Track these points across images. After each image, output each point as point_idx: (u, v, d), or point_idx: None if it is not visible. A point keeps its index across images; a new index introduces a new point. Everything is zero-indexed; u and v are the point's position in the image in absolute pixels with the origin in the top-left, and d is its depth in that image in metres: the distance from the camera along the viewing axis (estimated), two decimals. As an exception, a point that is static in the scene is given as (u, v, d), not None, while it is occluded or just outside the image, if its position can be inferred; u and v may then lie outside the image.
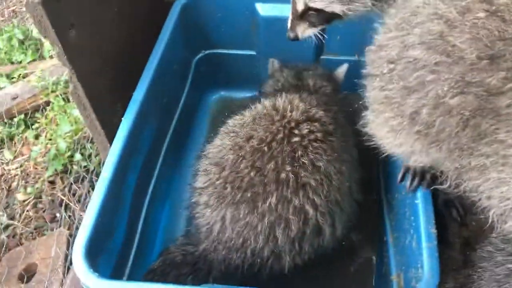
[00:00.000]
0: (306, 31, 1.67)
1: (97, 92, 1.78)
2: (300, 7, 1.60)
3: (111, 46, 1.85)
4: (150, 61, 1.90)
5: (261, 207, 1.51)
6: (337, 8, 1.52)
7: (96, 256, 1.47)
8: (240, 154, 1.58)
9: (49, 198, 2.66)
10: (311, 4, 1.55)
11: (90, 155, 2.70)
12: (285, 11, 2.08)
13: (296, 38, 1.69)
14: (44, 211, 2.60)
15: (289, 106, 1.66)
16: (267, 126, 1.61)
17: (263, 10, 2.12)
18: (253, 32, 2.21)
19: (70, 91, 1.71)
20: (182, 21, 2.11)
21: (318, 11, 1.57)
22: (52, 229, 2.45)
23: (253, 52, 2.29)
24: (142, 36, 2.04)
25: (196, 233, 1.72)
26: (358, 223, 1.76)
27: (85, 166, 2.68)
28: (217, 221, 1.60)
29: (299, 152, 1.55)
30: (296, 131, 1.59)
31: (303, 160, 1.54)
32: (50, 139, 2.86)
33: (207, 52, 2.35)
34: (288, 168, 1.53)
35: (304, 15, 1.62)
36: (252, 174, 1.54)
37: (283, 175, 1.52)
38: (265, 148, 1.56)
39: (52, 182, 2.73)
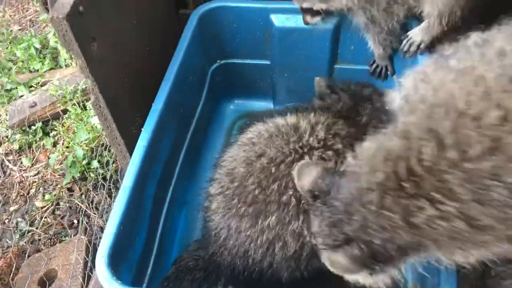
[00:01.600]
0: (312, 19, 2.00)
1: (118, 103, 1.82)
2: (297, 5, 1.95)
3: (131, 57, 1.89)
4: (168, 71, 1.94)
5: (261, 223, 1.55)
6: (318, 6, 1.89)
7: (118, 263, 1.50)
8: (249, 170, 1.60)
9: (67, 205, 2.71)
10: (302, 5, 1.94)
11: (107, 163, 2.76)
12: (299, 22, 2.12)
13: (307, 23, 2.03)
14: (62, 218, 2.65)
15: (309, 130, 1.66)
16: (281, 146, 1.62)
17: (278, 21, 2.15)
18: (268, 42, 2.24)
19: (91, 102, 1.76)
20: (199, 32, 2.14)
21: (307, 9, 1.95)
22: (70, 236, 2.50)
23: (267, 62, 2.33)
24: (160, 47, 2.08)
25: (207, 236, 1.75)
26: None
27: (102, 174, 2.73)
28: (224, 228, 1.64)
29: None
30: (307, 157, 1.59)
31: None
32: (67, 147, 2.92)
33: (222, 62, 2.39)
34: (291, 192, 1.54)
35: (303, 10, 1.98)
36: (256, 191, 1.57)
37: (284, 198, 1.54)
38: (273, 169, 1.58)
39: (70, 189, 2.79)
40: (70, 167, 2.78)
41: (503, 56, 1.07)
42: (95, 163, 2.77)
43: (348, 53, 2.26)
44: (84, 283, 2.12)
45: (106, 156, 2.78)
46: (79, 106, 3.02)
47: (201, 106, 2.28)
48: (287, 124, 1.70)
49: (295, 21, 2.15)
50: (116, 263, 1.47)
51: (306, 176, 1.27)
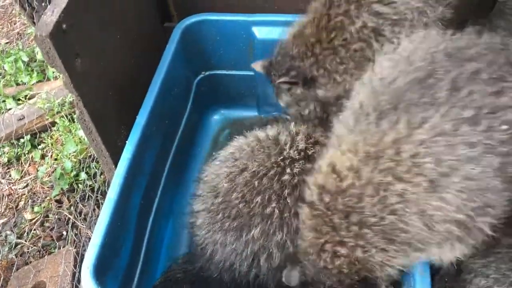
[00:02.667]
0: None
1: (102, 116, 1.86)
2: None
3: (115, 71, 1.93)
4: (152, 84, 1.98)
5: (245, 236, 1.59)
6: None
7: (104, 274, 1.54)
8: (233, 184, 1.64)
9: (56, 216, 2.73)
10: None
11: (95, 174, 2.78)
12: (280, 34, 2.17)
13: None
14: (51, 230, 2.67)
15: (290, 142, 1.70)
16: (263, 160, 1.66)
17: (260, 33, 2.21)
18: (251, 54, 2.29)
19: (76, 116, 1.79)
20: (183, 44, 2.19)
21: None
22: (59, 247, 2.52)
23: (251, 73, 2.38)
24: (145, 60, 2.12)
25: (194, 251, 1.79)
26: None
27: (90, 185, 2.76)
28: (209, 243, 1.68)
29: (287, 191, 1.60)
30: (288, 170, 1.63)
31: (288, 200, 1.59)
32: (56, 159, 2.94)
33: (207, 73, 2.43)
34: (274, 204, 1.59)
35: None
36: (241, 205, 1.61)
37: (268, 210, 1.58)
38: (256, 183, 1.61)
39: (58, 201, 2.81)
40: (58, 179, 2.80)
41: None
42: (83, 175, 2.80)
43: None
44: (72, 294, 2.14)
45: (94, 167, 2.81)
46: (67, 118, 3.05)
47: (186, 117, 2.32)
48: (267, 138, 1.74)
49: (277, 33, 2.19)
50: (101, 274, 1.50)
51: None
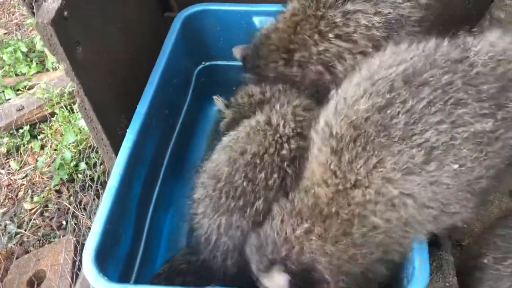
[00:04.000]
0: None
1: (103, 105, 1.86)
2: None
3: (116, 60, 1.93)
4: (152, 73, 1.98)
5: (249, 211, 1.60)
6: None
7: (105, 261, 1.54)
8: (234, 167, 1.65)
9: (56, 206, 2.74)
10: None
11: (94, 164, 2.79)
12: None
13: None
14: (51, 219, 2.68)
15: (282, 122, 1.73)
16: (261, 141, 1.69)
17: (260, 23, 2.20)
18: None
19: (77, 104, 1.79)
20: (183, 34, 2.19)
21: None
22: (59, 237, 2.53)
23: (251, 63, 2.38)
24: (145, 50, 2.12)
25: (196, 243, 1.78)
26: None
27: (90, 175, 2.76)
28: (213, 230, 1.68)
29: (286, 163, 1.64)
30: (286, 146, 1.67)
31: (288, 170, 1.63)
32: (56, 149, 2.95)
33: (207, 63, 2.44)
34: (275, 175, 1.62)
35: None
36: (244, 184, 1.62)
37: (270, 182, 1.61)
38: (257, 160, 1.64)
39: (58, 191, 2.82)
40: (58, 169, 2.81)
41: None
42: (82, 165, 2.80)
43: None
44: (73, 282, 2.15)
45: (93, 158, 2.82)
46: (67, 108, 3.05)
47: (187, 107, 2.32)
48: (259, 122, 1.76)
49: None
50: (102, 260, 1.51)
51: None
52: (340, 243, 1.32)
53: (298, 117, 1.77)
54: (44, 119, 3.08)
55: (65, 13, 1.57)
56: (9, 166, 2.96)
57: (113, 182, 1.66)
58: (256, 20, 2.21)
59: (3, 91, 3.28)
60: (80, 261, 2.23)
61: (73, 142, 2.90)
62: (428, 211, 1.25)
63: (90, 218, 2.58)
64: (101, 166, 2.78)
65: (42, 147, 3.01)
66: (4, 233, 2.62)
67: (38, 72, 3.39)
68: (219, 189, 1.67)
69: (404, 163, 1.19)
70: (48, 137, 3.02)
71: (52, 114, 3.07)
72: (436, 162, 1.18)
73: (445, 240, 1.60)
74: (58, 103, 3.07)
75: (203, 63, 2.42)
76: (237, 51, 2.08)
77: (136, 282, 1.77)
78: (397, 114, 1.21)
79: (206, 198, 1.71)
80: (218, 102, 2.07)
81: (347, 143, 1.27)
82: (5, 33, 3.89)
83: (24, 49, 3.51)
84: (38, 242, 2.58)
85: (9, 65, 3.45)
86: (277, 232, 1.41)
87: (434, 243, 1.53)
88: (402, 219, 1.26)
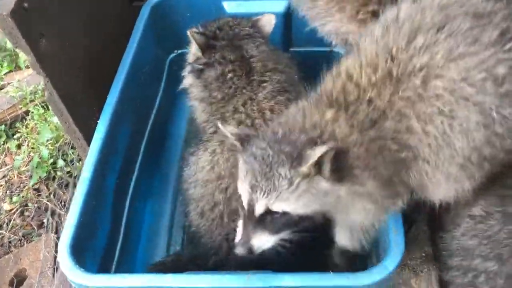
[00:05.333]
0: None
1: (73, 97, 1.83)
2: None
3: (83, 51, 1.91)
4: (121, 64, 1.96)
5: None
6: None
7: (81, 253, 1.53)
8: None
9: (36, 205, 2.71)
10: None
11: (72, 161, 2.76)
12: (251, 8, 2.16)
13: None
14: (31, 219, 2.65)
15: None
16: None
17: (230, 7, 2.19)
18: (222, 30, 2.27)
19: (46, 97, 1.77)
20: (152, 23, 2.17)
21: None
22: (40, 235, 2.50)
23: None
24: (114, 40, 2.10)
25: (203, 253, 1.75)
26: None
27: (68, 172, 2.73)
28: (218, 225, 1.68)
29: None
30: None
31: None
32: (33, 148, 2.90)
33: (180, 51, 2.41)
34: None
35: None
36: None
37: None
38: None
39: (37, 190, 2.78)
40: (36, 167, 2.77)
41: None
42: (61, 162, 2.77)
43: (302, 36, 2.30)
44: (54, 278, 2.13)
45: (71, 154, 2.78)
46: (41, 106, 3.00)
47: (161, 96, 2.31)
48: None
49: (246, 7, 2.19)
50: (79, 253, 1.50)
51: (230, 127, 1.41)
52: (369, 130, 1.25)
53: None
54: (18, 118, 3.03)
55: (25, 4, 1.55)
56: (-14, 167, 2.91)
57: (86, 173, 1.64)
58: (226, 4, 2.20)
59: (-25, 92, 3.22)
60: (61, 256, 2.21)
61: (50, 140, 2.86)
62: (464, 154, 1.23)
63: (70, 214, 2.55)
64: (80, 162, 2.74)
65: (19, 146, 2.96)
66: (-16, 236, 2.58)
67: (10, 71, 3.33)
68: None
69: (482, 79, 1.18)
70: (24, 136, 2.98)
71: (27, 112, 3.02)
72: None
73: (420, 211, 1.61)
74: (32, 101, 3.02)
75: (175, 51, 2.40)
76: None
77: (117, 271, 1.76)
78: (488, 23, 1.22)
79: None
80: (194, 36, 1.91)
81: (429, 26, 1.23)
82: (-25, 34, 3.81)
83: (-5, 49, 3.45)
84: (19, 242, 2.55)
85: (-20, 66, 3.39)
86: (302, 117, 1.30)
87: (409, 216, 1.55)
88: (439, 140, 1.23)
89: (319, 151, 1.15)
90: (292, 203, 1.23)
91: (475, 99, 1.17)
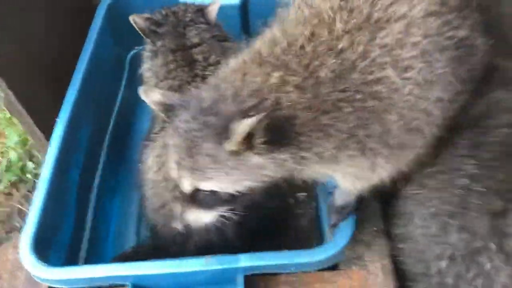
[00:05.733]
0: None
1: (31, 98, 1.85)
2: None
3: (39, 51, 1.92)
4: (79, 62, 1.98)
5: None
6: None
7: (45, 249, 1.56)
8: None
9: (7, 209, 2.71)
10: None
11: (41, 163, 2.76)
12: (206, 1, 2.19)
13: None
14: (3, 223, 2.65)
15: None
16: None
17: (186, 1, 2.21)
18: (180, 24, 2.30)
19: (3, 98, 1.78)
20: (109, 20, 2.19)
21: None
22: (9, 239, 2.50)
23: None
24: (73, 39, 2.10)
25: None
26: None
27: (38, 174, 2.73)
28: None
29: None
30: None
31: None
32: (2, 152, 2.90)
33: (140, 48, 2.42)
34: None
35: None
36: None
37: None
38: None
39: (8, 194, 2.78)
40: (5, 171, 2.77)
41: None
42: (30, 165, 2.78)
43: (259, 26, 2.34)
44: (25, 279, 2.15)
45: (39, 156, 2.79)
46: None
47: (122, 94, 2.32)
48: None
49: (203, 0, 2.21)
50: (42, 249, 1.53)
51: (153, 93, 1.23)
52: (328, 88, 1.11)
53: None
54: (-17, 123, 3.01)
55: (-25, 2, 1.56)
56: (-46, 175, 2.90)
57: (46, 171, 1.66)
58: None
59: None
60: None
61: (18, 142, 2.86)
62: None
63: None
64: (49, 164, 2.75)
65: (-13, 152, 2.95)
66: (-45, 244, 2.57)
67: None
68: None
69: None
70: (-9, 141, 2.97)
71: (-8, 117, 3.01)
72: None
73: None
74: (-4, 105, 3.01)
75: (136, 48, 2.41)
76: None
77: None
78: None
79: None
80: (135, 20, 1.90)
81: None
82: None
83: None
84: (-9, 246, 2.55)
85: None
86: (240, 80, 1.13)
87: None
88: (417, 88, 1.16)
89: (245, 125, 1.00)
90: (219, 182, 1.13)
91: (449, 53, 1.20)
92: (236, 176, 1.12)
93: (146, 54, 1.93)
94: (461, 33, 1.23)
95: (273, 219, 1.76)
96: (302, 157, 1.13)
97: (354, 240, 1.50)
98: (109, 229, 2.07)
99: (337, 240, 1.44)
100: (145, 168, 1.72)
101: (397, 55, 1.14)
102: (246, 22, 2.33)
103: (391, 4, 1.16)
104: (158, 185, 1.65)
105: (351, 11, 1.17)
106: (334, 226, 1.49)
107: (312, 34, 1.16)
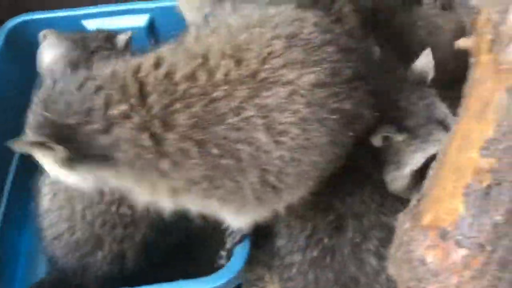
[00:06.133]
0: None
1: None
2: None
3: None
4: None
5: None
6: None
7: None
8: None
9: None
10: None
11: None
12: (112, 25, 2.16)
13: None
14: None
15: None
16: None
17: (90, 26, 2.19)
18: (87, 48, 2.26)
19: None
20: (9, 49, 2.13)
21: None
22: None
23: (95, 70, 2.36)
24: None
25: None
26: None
27: None
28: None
29: None
30: None
31: None
32: None
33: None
34: None
35: None
36: None
37: None
38: None
39: None
40: None
41: None
42: None
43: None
44: None
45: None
46: None
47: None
48: None
49: (108, 24, 2.18)
50: None
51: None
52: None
53: None
54: None
55: None
56: None
57: None
58: (86, 23, 2.20)
59: None
60: None
61: None
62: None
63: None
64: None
65: None
66: None
67: None
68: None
69: None
70: None
71: None
72: None
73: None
74: None
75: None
76: None
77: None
78: None
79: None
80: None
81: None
82: None
83: None
84: None
85: None
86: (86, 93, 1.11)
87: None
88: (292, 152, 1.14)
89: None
90: None
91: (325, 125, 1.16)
92: None
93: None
94: (347, 105, 1.17)
95: (181, 244, 1.76)
96: None
97: (255, 261, 1.52)
98: (17, 264, 2.00)
99: (232, 265, 1.45)
100: (40, 196, 1.68)
101: (274, 118, 1.10)
102: (155, 43, 2.32)
103: (283, 67, 1.12)
104: (53, 214, 1.63)
105: (239, 62, 1.12)
106: (229, 250, 1.50)
107: (192, 74, 1.11)
